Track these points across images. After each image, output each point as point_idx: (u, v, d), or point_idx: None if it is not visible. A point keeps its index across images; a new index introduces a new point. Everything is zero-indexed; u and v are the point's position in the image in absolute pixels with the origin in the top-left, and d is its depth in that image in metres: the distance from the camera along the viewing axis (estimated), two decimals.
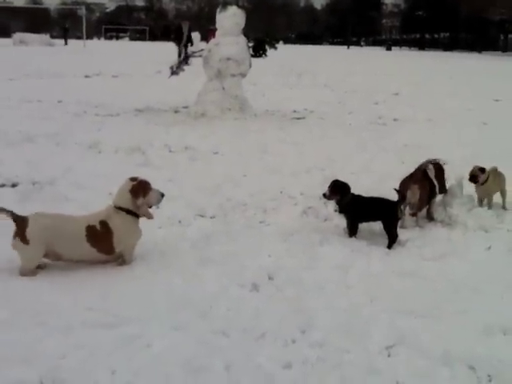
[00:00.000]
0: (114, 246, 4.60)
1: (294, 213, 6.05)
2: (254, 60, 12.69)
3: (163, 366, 3.31)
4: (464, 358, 3.47)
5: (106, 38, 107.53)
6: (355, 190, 6.65)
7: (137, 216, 4.73)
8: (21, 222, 4.41)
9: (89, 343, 3.52)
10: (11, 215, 4.41)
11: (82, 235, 4.50)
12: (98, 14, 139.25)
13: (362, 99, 16.13)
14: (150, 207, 4.85)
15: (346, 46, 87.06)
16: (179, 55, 27.22)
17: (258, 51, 19.79)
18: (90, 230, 4.52)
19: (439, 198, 6.02)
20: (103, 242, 4.56)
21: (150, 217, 4.81)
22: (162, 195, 4.88)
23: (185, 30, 29.75)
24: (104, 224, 4.56)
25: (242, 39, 12.15)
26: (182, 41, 29.39)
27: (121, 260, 4.71)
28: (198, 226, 5.62)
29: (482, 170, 6.17)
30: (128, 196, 4.64)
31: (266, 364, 3.38)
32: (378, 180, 7.19)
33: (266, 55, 20.48)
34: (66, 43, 57.90)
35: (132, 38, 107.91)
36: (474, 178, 6.17)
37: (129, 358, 3.38)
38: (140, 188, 4.70)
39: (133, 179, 4.75)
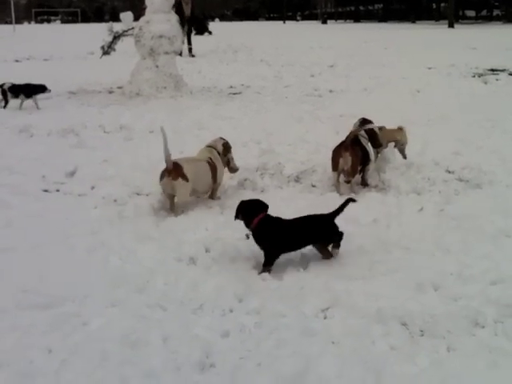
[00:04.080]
0: (218, 179, 5.66)
1: (231, 186, 6.06)
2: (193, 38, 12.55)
3: (100, 343, 3.30)
4: (397, 315, 3.56)
5: (37, 21, 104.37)
6: (291, 161, 6.75)
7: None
8: (177, 165, 5.25)
9: (24, 324, 3.49)
10: (167, 159, 5.22)
11: (208, 172, 5.49)
12: None
13: (298, 73, 16.17)
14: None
15: (282, 21, 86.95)
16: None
17: (201, 30, 20.01)
18: (211, 166, 5.51)
19: (372, 164, 6.13)
20: (215, 174, 5.58)
21: (235, 170, 5.97)
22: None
23: (186, 8, 22.03)
24: (212, 160, 5.59)
25: (173, 16, 12.01)
26: (185, 24, 20.51)
27: (213, 194, 5.74)
28: (134, 203, 5.57)
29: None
30: (221, 146, 5.77)
31: (203, 334, 3.41)
32: (313, 150, 7.26)
33: (210, 33, 20.73)
34: None
35: (64, 21, 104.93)
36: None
37: (65, 337, 3.36)
38: (229, 146, 5.86)
39: (223, 139, 5.91)
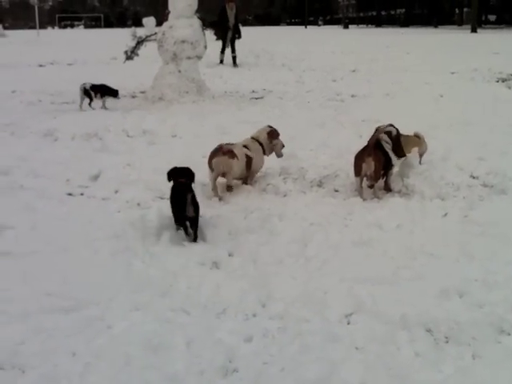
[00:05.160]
0: (253, 168, 6.13)
1: (254, 190, 6.07)
2: (213, 43, 12.61)
3: (123, 346, 3.31)
4: (421, 322, 3.54)
5: (61, 27, 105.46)
6: (314, 165, 6.74)
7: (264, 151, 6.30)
8: (229, 148, 5.80)
9: (48, 328, 3.50)
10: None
11: (244, 159, 5.92)
12: (50, 3, 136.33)
13: (319, 77, 16.14)
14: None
15: (303, 26, 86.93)
16: (223, 50, 20.75)
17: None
18: (247, 157, 5.97)
19: (396, 169, 6.10)
20: (250, 164, 6.05)
21: (280, 155, 6.47)
22: (283, 146, 6.46)
23: (230, 14, 20.63)
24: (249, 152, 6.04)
25: (196, 21, 12.05)
26: (229, 30, 20.54)
27: (248, 180, 6.19)
28: (157, 208, 5.58)
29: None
30: (265, 136, 6.26)
31: (226, 338, 3.41)
32: (336, 155, 7.24)
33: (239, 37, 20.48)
34: None
35: (87, 26, 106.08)
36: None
37: (89, 340, 3.38)
38: (275, 133, 6.35)
39: (270, 126, 6.43)
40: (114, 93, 11.24)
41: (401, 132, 6.33)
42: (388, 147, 5.92)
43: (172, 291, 3.97)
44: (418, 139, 6.62)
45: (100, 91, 11.13)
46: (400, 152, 6.07)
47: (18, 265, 4.37)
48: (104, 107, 11.20)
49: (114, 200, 5.88)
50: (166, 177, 5.08)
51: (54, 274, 4.21)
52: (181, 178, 4.98)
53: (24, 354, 3.25)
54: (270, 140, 6.31)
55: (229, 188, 5.99)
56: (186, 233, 4.87)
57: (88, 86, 11.04)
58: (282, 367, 3.16)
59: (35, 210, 5.54)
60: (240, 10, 21.61)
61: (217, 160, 5.75)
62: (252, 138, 6.33)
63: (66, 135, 8.65)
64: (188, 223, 4.84)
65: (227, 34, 20.50)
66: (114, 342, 3.37)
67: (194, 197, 4.86)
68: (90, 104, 11.12)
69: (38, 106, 11.75)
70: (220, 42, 20.96)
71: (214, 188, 5.85)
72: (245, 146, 6.10)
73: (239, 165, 5.86)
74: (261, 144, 6.26)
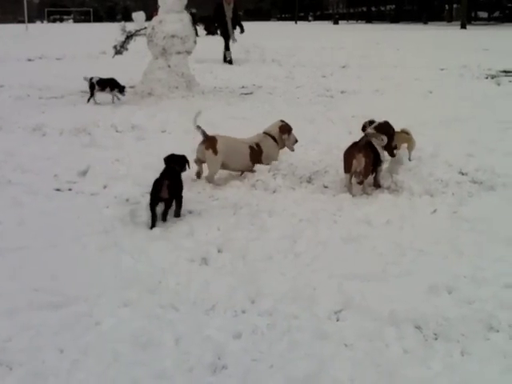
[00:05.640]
0: (262, 161, 6.36)
1: (243, 186, 6.05)
2: (203, 38, 12.56)
3: (111, 343, 3.29)
4: (410, 318, 3.54)
5: (50, 21, 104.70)
6: (303, 161, 6.73)
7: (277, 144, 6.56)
8: (212, 139, 6.05)
9: (36, 324, 3.48)
10: (203, 133, 6.06)
11: (246, 153, 6.25)
12: None
13: (309, 73, 16.12)
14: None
15: (293, 22, 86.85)
16: (227, 46, 19.92)
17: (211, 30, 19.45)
18: (251, 149, 6.29)
19: (385, 165, 6.10)
20: (257, 158, 6.32)
21: (292, 149, 6.70)
22: (297, 140, 6.71)
23: (227, 9, 19.76)
24: (258, 145, 6.36)
25: (186, 16, 12.00)
26: (228, 27, 19.81)
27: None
28: (146, 203, 5.55)
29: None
30: (277, 130, 6.51)
31: (215, 335, 3.40)
32: (325, 151, 7.22)
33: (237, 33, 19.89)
34: None
35: (76, 21, 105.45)
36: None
37: (77, 337, 3.36)
38: (286, 128, 6.57)
39: (282, 121, 6.64)
40: (119, 87, 11.28)
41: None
42: (377, 143, 5.91)
43: (161, 287, 3.95)
44: (406, 135, 6.64)
45: (109, 85, 11.19)
46: (391, 152, 6.07)
47: (5, 260, 4.34)
48: (113, 101, 11.29)
49: (103, 195, 5.85)
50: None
51: (42, 269, 4.18)
52: (174, 164, 5.38)
53: (11, 350, 3.23)
54: (281, 134, 6.54)
55: (208, 179, 6.14)
56: (154, 218, 5.01)
57: (95, 80, 11.09)
58: (270, 364, 3.15)
59: (23, 206, 5.50)
60: (238, 5, 20.86)
61: (197, 148, 6.16)
62: (264, 132, 6.56)
63: (54, 130, 8.60)
64: (163, 206, 5.12)
65: (227, 30, 19.82)
66: (102, 338, 3.35)
67: (176, 181, 5.20)
68: (89, 99, 11.19)
69: (27, 100, 11.68)
70: (222, 42, 20.23)
71: (198, 173, 6.27)
72: (255, 144, 6.38)
73: (214, 158, 6.04)
74: (273, 138, 6.51)
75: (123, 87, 11.32)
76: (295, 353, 3.24)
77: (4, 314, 3.59)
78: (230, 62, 19.29)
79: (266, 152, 6.44)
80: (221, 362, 3.17)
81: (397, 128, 6.50)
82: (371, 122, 6.22)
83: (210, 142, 6.06)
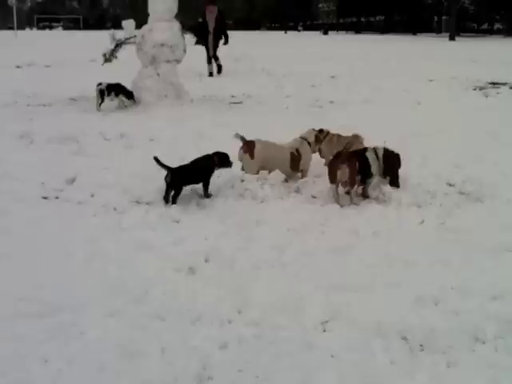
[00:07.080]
0: (300, 166, 6.55)
1: (231, 195, 6.04)
2: (192, 47, 12.56)
3: (97, 353, 3.27)
4: (397, 329, 3.54)
5: (39, 28, 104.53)
6: None
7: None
8: (250, 143, 6.31)
9: (20, 333, 3.45)
10: (242, 138, 6.33)
11: (287, 158, 6.41)
12: (29, 4, 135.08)
13: (299, 83, 16.17)
14: None
15: (283, 31, 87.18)
16: (209, 59, 19.03)
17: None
18: (292, 154, 6.44)
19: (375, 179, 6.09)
20: (297, 164, 6.49)
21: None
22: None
23: (210, 17, 18.98)
24: (298, 151, 6.49)
25: (176, 24, 12.00)
26: (209, 35, 18.94)
27: (302, 174, 6.61)
28: (133, 212, 5.55)
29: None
30: (313, 138, 6.69)
31: (201, 345, 3.38)
32: (314, 161, 7.21)
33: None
34: None
35: (66, 28, 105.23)
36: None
37: (61, 347, 3.33)
38: (320, 138, 6.80)
39: (314, 130, 6.82)
40: (127, 93, 11.45)
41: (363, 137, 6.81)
42: (371, 156, 5.90)
43: (147, 297, 3.93)
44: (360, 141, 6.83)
45: (115, 90, 11.33)
46: (388, 173, 6.05)
47: None
48: (119, 107, 11.38)
49: (90, 204, 5.82)
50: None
51: (27, 278, 4.15)
52: (216, 157, 6.07)
53: None
54: (317, 142, 6.79)
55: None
56: (166, 199, 5.71)
57: (104, 86, 11.23)
58: (257, 374, 3.14)
59: (9, 213, 5.47)
60: (224, 14, 20.46)
61: (239, 152, 6.39)
62: (301, 137, 6.71)
63: (41, 138, 8.54)
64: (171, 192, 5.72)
65: (207, 40, 18.94)
66: (88, 348, 3.33)
67: (191, 169, 5.89)
68: (100, 104, 11.27)
69: (14, 107, 11.64)
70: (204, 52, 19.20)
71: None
72: (295, 149, 6.52)
73: (250, 162, 6.30)
74: (309, 144, 6.67)
75: (131, 93, 11.44)
76: (281, 363, 3.22)
77: None
78: (211, 75, 19.02)
79: (304, 158, 6.59)
80: (206, 373, 3.16)
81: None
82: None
83: (248, 146, 6.30)
